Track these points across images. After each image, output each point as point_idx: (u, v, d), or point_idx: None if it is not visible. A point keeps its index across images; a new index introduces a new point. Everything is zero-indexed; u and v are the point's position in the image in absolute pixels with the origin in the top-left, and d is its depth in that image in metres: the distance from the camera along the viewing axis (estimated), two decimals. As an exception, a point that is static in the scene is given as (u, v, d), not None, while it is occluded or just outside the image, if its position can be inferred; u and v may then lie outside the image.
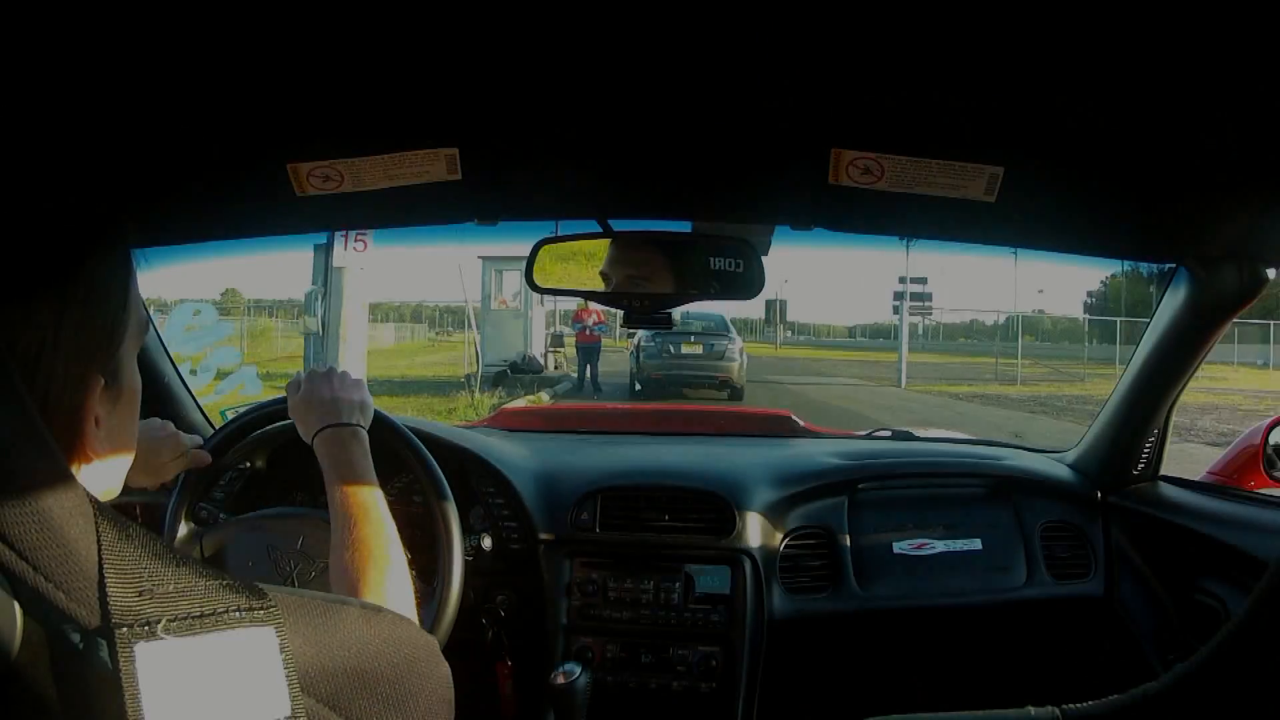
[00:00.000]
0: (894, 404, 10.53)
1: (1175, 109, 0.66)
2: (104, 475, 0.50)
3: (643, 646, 1.25)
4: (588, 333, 10.80)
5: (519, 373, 10.96)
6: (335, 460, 0.81)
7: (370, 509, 0.77)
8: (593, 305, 9.04)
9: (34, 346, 0.44)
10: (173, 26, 0.57)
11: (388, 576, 0.70)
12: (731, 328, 10.16)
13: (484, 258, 11.80)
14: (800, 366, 18.16)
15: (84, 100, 0.67)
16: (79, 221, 0.47)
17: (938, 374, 15.26)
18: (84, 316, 0.46)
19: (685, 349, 9.47)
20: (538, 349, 12.27)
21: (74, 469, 0.47)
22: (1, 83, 0.61)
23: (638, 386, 9.70)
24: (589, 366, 10.81)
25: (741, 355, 9.82)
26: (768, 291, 0.98)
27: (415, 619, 0.68)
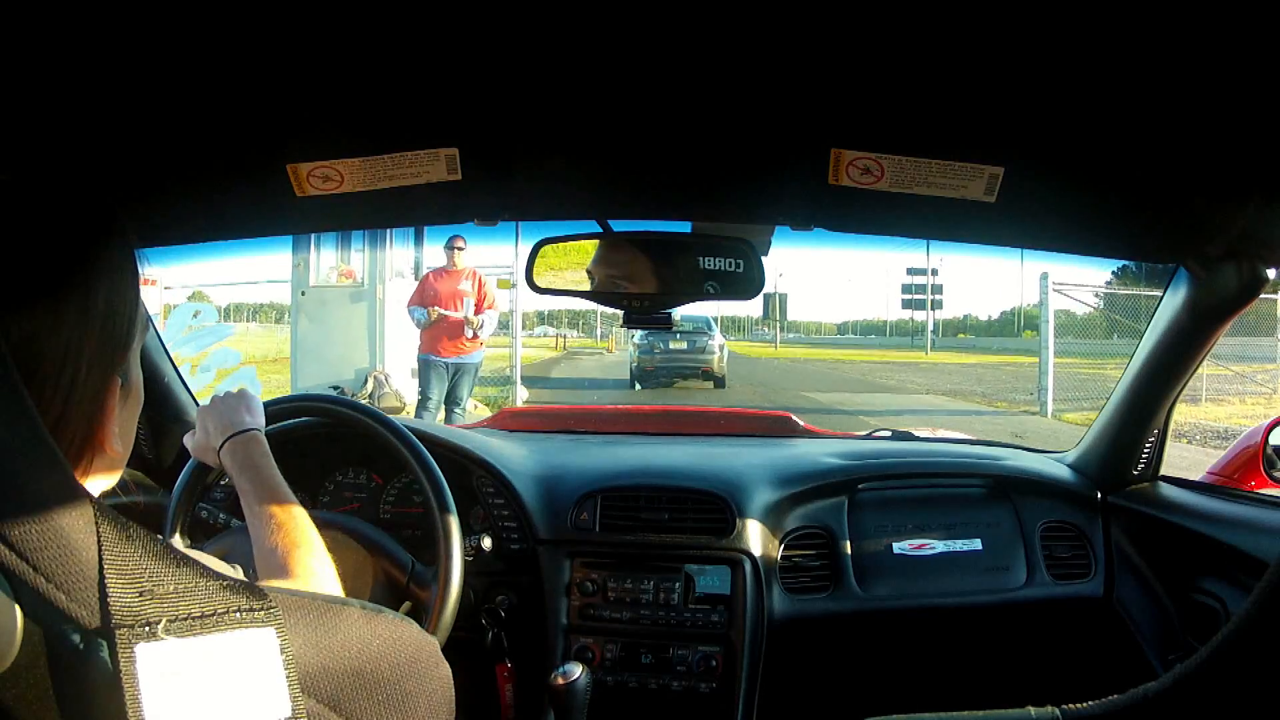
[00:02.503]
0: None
1: (1175, 109, 0.66)
2: (109, 473, 0.51)
3: (643, 647, 1.25)
4: (444, 332, 5.09)
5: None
6: (241, 465, 0.86)
7: (282, 499, 0.81)
8: (457, 268, 5.03)
9: (59, 350, 0.44)
10: (172, 28, 0.57)
11: (312, 554, 0.75)
12: (715, 325, 11.45)
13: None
14: (824, 374, 14.47)
15: (84, 102, 0.67)
16: (95, 223, 0.47)
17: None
18: (106, 318, 0.46)
19: (672, 345, 10.90)
20: (396, 362, 6.34)
21: (89, 468, 0.48)
22: (3, 86, 0.61)
23: (637, 386, 10.69)
24: (437, 402, 5.11)
25: (721, 350, 11.39)
26: (765, 286, 0.98)
27: (340, 591, 0.73)
